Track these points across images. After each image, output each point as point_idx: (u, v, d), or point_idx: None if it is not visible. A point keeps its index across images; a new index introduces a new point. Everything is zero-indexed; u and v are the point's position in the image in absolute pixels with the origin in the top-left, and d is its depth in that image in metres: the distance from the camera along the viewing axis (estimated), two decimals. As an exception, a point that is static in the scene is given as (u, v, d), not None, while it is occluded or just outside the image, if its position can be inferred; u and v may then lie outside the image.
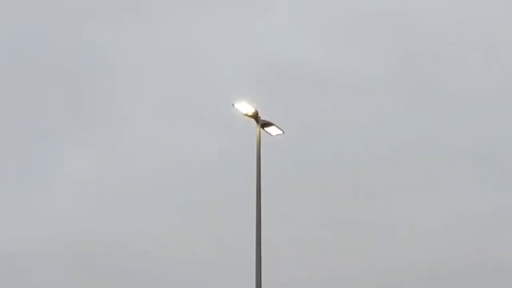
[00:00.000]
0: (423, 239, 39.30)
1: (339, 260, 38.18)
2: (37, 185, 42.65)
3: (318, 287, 37.29)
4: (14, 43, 45.10)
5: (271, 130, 23.65)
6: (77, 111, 45.04)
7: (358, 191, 40.72)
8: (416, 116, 43.47)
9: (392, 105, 43.08)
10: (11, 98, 44.65)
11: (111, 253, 38.93)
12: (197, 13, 45.71)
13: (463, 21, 44.22)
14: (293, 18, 45.15)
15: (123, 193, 41.46)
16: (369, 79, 43.53)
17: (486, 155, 41.83)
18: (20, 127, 44.48)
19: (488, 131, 42.20)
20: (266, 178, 22.80)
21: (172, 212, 40.68)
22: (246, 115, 23.40)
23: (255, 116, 23.38)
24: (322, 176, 40.91)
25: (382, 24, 44.53)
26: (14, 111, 44.76)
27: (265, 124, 23.49)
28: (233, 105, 23.29)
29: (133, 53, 45.75)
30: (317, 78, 43.29)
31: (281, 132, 23.77)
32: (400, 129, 42.99)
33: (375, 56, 44.20)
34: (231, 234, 36.30)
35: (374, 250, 39.66)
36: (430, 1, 45.06)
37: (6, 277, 37.53)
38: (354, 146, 41.86)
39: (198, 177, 40.97)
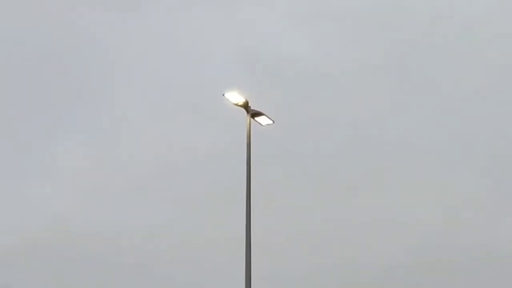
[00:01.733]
0: (420, 234, 39.32)
1: (331, 253, 38.18)
2: (34, 178, 42.78)
3: (312, 282, 37.30)
4: (13, 40, 45.21)
5: (261, 120, 23.62)
6: (74, 104, 45.14)
7: (349, 182, 40.69)
8: (412, 109, 43.53)
9: (387, 98, 43.10)
10: (10, 93, 44.81)
11: (108, 248, 38.96)
12: (190, 6, 45.73)
13: (458, 15, 44.24)
14: (285, 11, 45.15)
15: (117, 186, 41.56)
16: (362, 72, 43.50)
17: (484, 151, 41.84)
18: (18, 121, 44.62)
19: (484, 126, 42.22)
20: (256, 168, 22.76)
21: (163, 202, 40.66)
22: (237, 104, 23.35)
23: (246, 106, 23.34)
24: (312, 167, 40.92)
25: (376, 17, 44.55)
26: (12, 106, 44.88)
27: (255, 114, 23.44)
28: (223, 94, 23.23)
29: (128, 46, 45.86)
30: (308, 69, 43.29)
31: (271, 122, 23.72)
32: (395, 122, 43.04)
33: (368, 48, 44.20)
34: (221, 224, 36.27)
35: (369, 244, 39.64)
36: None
37: (2, 268, 37.59)
38: (345, 137, 41.85)
39: (188, 168, 40.98)
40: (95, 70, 45.21)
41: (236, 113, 23.69)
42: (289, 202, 38.79)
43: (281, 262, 36.44)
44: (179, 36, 45.38)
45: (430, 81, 43.86)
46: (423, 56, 44.16)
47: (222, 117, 31.40)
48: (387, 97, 42.83)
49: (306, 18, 44.97)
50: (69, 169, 42.86)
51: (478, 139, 41.43)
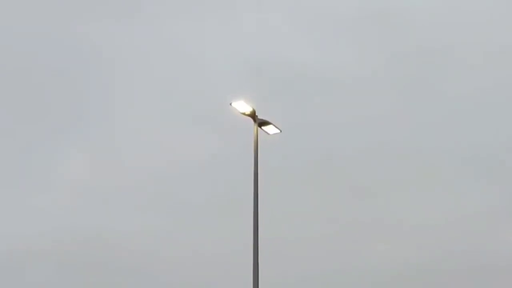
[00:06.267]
0: (421, 237, 39.45)
1: (337, 258, 38.30)
2: (35, 185, 42.73)
3: (317, 285, 37.40)
4: (13, 43, 45.19)
5: (269, 129, 23.67)
6: (75, 111, 45.14)
7: (356, 189, 40.81)
8: (415, 115, 43.67)
9: (389, 103, 43.21)
10: (9, 101, 44.76)
11: (109, 252, 39.03)
12: (192, 13, 45.82)
13: (456, 19, 44.38)
14: (286, 17, 45.30)
15: (119, 192, 41.54)
16: (365, 77, 43.68)
17: (483, 154, 42.02)
18: (18, 129, 44.57)
19: (484, 131, 42.37)
20: (263, 177, 22.85)
21: (168, 211, 40.75)
22: (244, 114, 23.45)
23: (253, 115, 23.40)
24: (319, 175, 41.02)
25: (377, 23, 44.69)
26: (12, 113, 44.87)
27: (262, 123, 23.52)
28: (230, 104, 23.33)
29: (130, 53, 45.84)
30: (314, 77, 43.41)
31: (278, 131, 23.79)
32: (398, 127, 43.15)
33: (370, 54, 44.35)
34: (228, 233, 36.38)
35: (372, 248, 39.80)
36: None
37: (2, 274, 37.64)
38: (352, 144, 41.98)
39: (195, 176, 41.05)
40: (96, 78, 45.25)
41: (242, 122, 23.80)
42: (296, 208, 38.96)
43: (288, 267, 36.58)
44: (181, 43, 45.46)
45: (430, 85, 44.09)
46: (423, 61, 44.39)
47: (228, 126, 31.52)
48: (391, 102, 43.01)
49: (309, 24, 45.14)
50: (69, 176, 42.90)
51: (481, 145, 41.64)
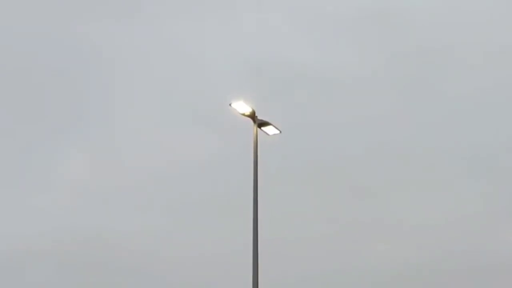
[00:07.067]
0: (421, 237, 39.47)
1: (337, 258, 38.31)
2: (35, 185, 42.73)
3: (317, 285, 37.40)
4: (13, 43, 45.17)
5: (268, 129, 23.67)
6: (75, 111, 45.13)
7: (356, 189, 40.82)
8: (414, 115, 43.67)
9: (389, 103, 43.22)
10: (9, 99, 44.74)
11: (109, 252, 39.04)
12: (193, 13, 45.81)
13: (456, 19, 44.39)
14: (286, 17, 45.31)
15: (119, 192, 41.54)
16: (364, 77, 43.67)
17: (483, 154, 42.04)
18: (18, 129, 44.55)
19: (484, 131, 42.38)
20: (263, 177, 22.85)
21: (168, 211, 40.74)
22: (243, 114, 23.45)
23: (252, 116, 23.40)
24: (319, 175, 41.02)
25: (377, 22, 44.68)
26: (12, 113, 44.85)
27: (262, 124, 23.52)
28: (230, 104, 23.33)
29: (130, 53, 45.83)
30: (314, 77, 43.41)
31: (278, 131, 23.79)
32: (398, 127, 43.16)
33: (370, 54, 44.34)
34: (228, 233, 36.39)
35: (372, 248, 39.81)
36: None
37: (2, 274, 37.64)
38: (352, 144, 41.98)
39: (195, 176, 41.05)
40: (96, 78, 45.23)
41: (242, 123, 23.79)
42: (296, 208, 38.95)
43: (288, 267, 36.58)
44: (181, 43, 45.45)
45: (430, 85, 44.08)
46: (423, 61, 44.38)
47: (227, 126, 31.52)
48: (391, 102, 43.01)
49: (309, 24, 45.15)
50: (69, 176, 42.88)
51: (481, 145, 41.65)
